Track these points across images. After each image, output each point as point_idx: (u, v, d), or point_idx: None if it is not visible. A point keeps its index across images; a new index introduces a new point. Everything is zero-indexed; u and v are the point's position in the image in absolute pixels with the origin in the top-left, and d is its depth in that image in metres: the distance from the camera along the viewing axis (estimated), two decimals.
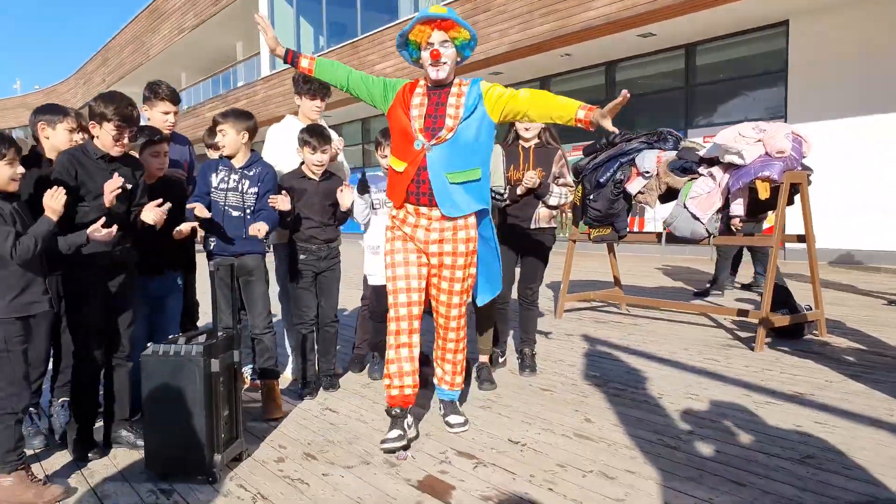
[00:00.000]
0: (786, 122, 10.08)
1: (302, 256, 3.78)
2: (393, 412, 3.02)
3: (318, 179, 3.78)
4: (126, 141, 2.85)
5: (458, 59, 3.04)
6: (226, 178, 3.47)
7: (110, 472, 2.76)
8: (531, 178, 3.88)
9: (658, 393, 3.68)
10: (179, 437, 2.60)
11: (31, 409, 3.04)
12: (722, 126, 10.81)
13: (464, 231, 3.05)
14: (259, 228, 3.30)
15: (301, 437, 3.14)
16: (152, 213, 2.90)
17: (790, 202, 4.89)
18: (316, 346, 3.92)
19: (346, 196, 3.75)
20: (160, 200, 2.92)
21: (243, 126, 3.47)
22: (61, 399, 3.14)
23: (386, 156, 3.55)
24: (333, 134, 3.96)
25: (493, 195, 3.78)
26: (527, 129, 4.05)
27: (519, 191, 3.97)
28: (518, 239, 4.11)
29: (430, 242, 3.05)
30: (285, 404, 3.56)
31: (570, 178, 4.13)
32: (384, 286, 3.20)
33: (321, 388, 3.84)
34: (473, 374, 3.95)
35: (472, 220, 3.07)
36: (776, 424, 3.13)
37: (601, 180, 5.37)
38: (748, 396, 3.59)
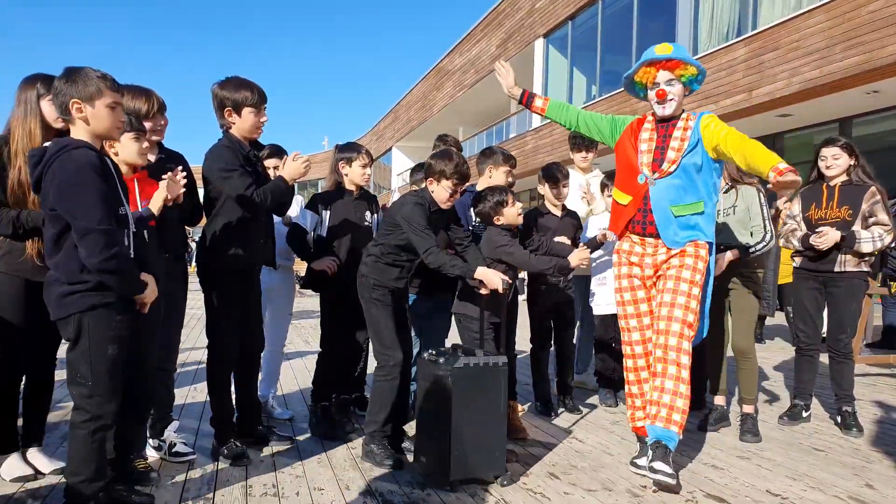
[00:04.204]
0: None
1: (543, 287, 4.06)
2: (645, 439, 3.04)
3: (559, 214, 4.07)
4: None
5: (686, 93, 3.10)
6: None
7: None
8: (829, 237, 3.64)
9: None
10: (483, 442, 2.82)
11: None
12: None
13: (692, 249, 3.01)
14: None
15: (546, 459, 3.26)
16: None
17: None
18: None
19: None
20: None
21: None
22: None
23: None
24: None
25: (755, 250, 3.59)
26: (829, 169, 3.78)
27: (822, 245, 3.67)
28: (821, 285, 3.83)
29: (658, 265, 3.10)
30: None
31: (884, 216, 3.65)
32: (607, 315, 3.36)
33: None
34: (736, 425, 3.72)
35: (704, 251, 3.02)
36: None
37: None
38: None
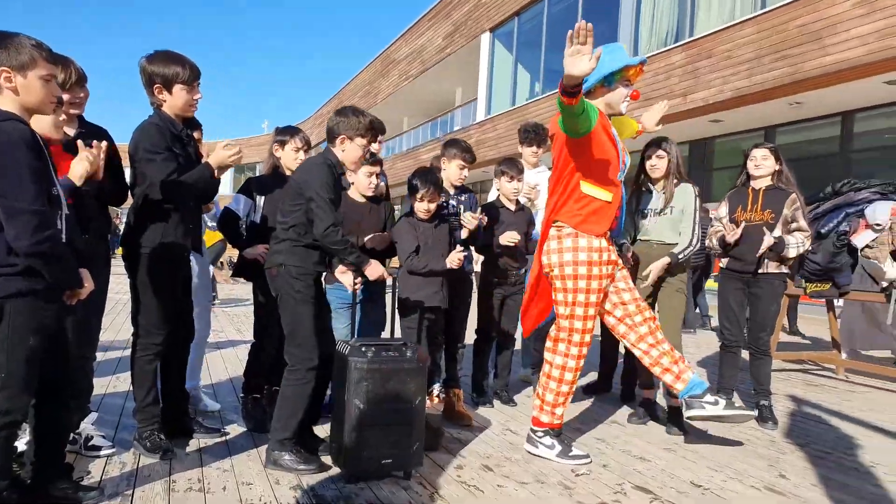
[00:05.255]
0: None
1: (494, 279, 4.06)
2: (560, 432, 3.18)
3: (512, 209, 4.06)
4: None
5: None
6: (444, 204, 3.83)
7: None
8: (765, 242, 3.80)
9: (871, 461, 3.30)
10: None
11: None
12: None
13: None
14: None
15: (481, 450, 3.29)
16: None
17: None
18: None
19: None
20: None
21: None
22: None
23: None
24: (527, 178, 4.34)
25: (684, 255, 3.74)
26: (757, 168, 3.96)
27: (760, 249, 3.83)
28: (745, 285, 4.01)
29: (616, 265, 3.22)
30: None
31: (804, 223, 3.86)
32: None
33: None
34: (664, 418, 3.84)
35: None
36: None
37: (822, 231, 4.97)
38: None
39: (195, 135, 3.27)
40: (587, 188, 3.07)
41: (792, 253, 3.82)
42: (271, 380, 3.61)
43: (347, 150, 2.89)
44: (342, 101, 33.06)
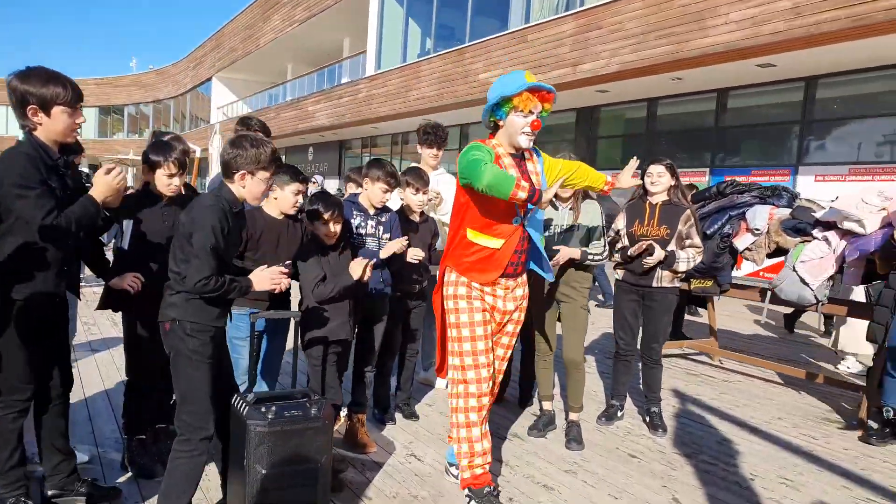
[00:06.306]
0: None
1: (398, 294, 3.91)
2: (485, 490, 2.95)
3: (417, 220, 3.94)
4: None
5: None
6: (363, 223, 3.63)
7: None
8: (654, 256, 3.89)
9: (750, 474, 3.56)
10: None
11: None
12: (835, 165, 10.30)
13: (524, 289, 3.14)
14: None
15: (387, 488, 3.20)
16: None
17: None
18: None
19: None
20: None
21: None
22: None
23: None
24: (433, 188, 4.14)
25: (592, 257, 3.78)
26: (653, 185, 4.02)
27: (649, 262, 3.91)
28: (639, 297, 4.11)
29: (509, 312, 3.08)
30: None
31: (697, 240, 4.00)
32: None
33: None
34: (563, 433, 3.93)
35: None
36: None
37: (707, 232, 5.20)
38: (847, 490, 3.42)
39: (75, 160, 2.85)
40: (472, 235, 2.93)
41: (682, 267, 3.97)
42: (156, 418, 3.33)
43: (249, 187, 2.54)
44: (221, 42, 30.95)
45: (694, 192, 5.75)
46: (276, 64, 27.54)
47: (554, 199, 3.84)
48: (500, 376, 3.24)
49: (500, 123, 2.91)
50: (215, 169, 19.48)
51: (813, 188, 10.65)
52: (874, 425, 4.16)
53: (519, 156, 2.98)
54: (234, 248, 2.72)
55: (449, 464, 3.31)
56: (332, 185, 24.02)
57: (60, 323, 2.82)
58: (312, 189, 16.51)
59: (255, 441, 2.52)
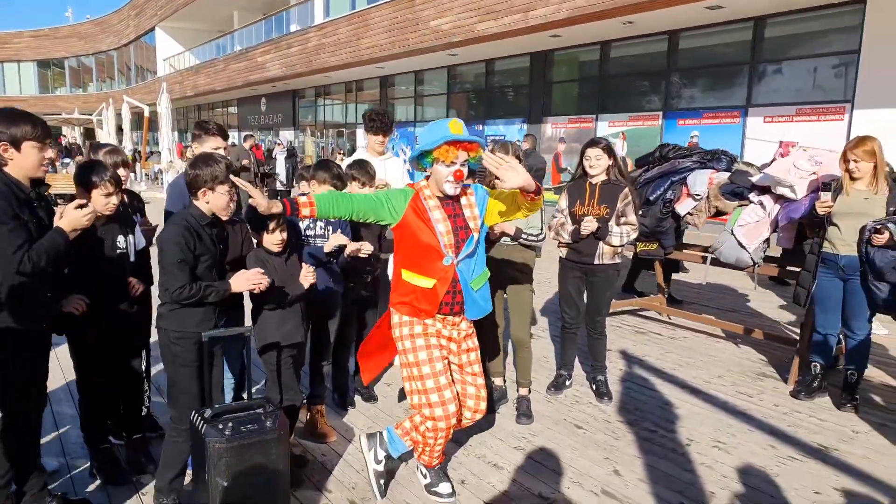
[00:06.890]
0: (852, 107, 9.67)
1: (352, 285, 4.01)
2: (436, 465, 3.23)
3: None
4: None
5: None
6: (311, 225, 3.68)
7: None
8: (588, 227, 4.02)
9: (687, 438, 3.83)
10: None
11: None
12: (783, 106, 10.52)
13: (467, 322, 3.14)
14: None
15: (346, 480, 3.37)
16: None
17: None
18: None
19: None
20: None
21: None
22: None
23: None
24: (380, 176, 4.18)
25: (527, 236, 3.91)
26: (591, 168, 4.13)
27: (583, 232, 4.06)
28: (582, 274, 4.28)
29: (460, 340, 3.13)
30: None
31: (633, 217, 4.13)
32: None
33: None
34: (513, 407, 4.15)
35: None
36: (796, 489, 3.27)
37: (650, 198, 5.37)
38: (773, 449, 3.71)
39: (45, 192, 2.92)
40: (406, 275, 3.00)
41: (615, 241, 4.10)
42: (119, 426, 3.44)
43: (213, 201, 2.89)
44: None
45: (632, 170, 5.89)
46: (222, 11, 26.49)
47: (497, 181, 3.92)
48: (484, 391, 3.21)
49: (427, 172, 2.97)
50: (165, 125, 18.84)
51: (762, 129, 10.88)
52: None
53: (451, 198, 2.98)
54: (218, 254, 2.99)
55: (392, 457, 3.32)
56: (287, 136, 23.58)
57: (41, 352, 2.90)
58: (278, 151, 16.21)
59: (215, 457, 2.66)
